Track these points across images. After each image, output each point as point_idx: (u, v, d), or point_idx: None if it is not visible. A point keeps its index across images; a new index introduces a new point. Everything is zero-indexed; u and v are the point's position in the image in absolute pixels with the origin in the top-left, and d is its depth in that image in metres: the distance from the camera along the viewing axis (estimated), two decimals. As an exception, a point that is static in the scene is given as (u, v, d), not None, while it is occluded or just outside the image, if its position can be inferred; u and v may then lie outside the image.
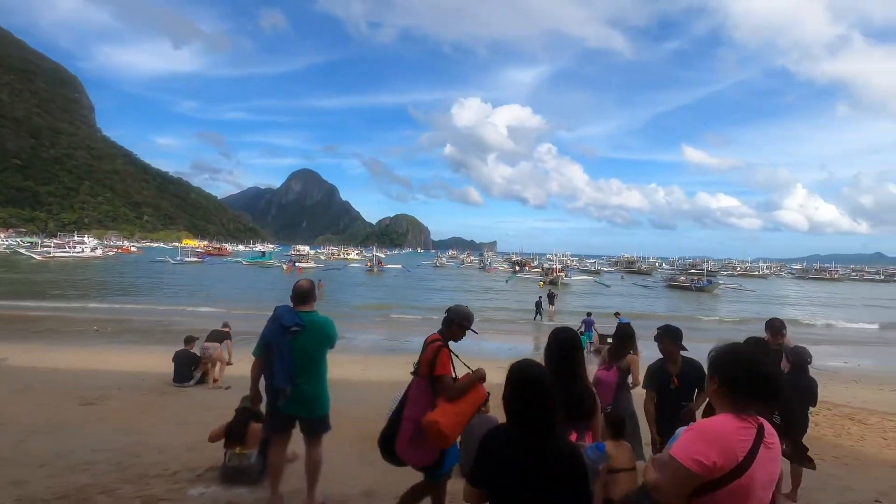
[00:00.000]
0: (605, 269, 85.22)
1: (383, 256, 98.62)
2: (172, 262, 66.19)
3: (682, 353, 3.91)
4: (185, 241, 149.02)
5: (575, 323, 16.92)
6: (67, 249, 74.28)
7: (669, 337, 3.94)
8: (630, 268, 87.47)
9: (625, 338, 4.72)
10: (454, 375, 3.13)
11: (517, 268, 70.34)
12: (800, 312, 33.58)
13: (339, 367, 11.88)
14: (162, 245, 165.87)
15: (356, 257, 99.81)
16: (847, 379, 11.93)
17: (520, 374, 1.85)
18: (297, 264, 62.37)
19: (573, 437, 2.64)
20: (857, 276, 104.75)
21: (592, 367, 4.12)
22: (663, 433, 3.72)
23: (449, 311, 3.28)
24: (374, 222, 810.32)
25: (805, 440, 4.32)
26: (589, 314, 16.92)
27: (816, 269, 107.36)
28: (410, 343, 15.95)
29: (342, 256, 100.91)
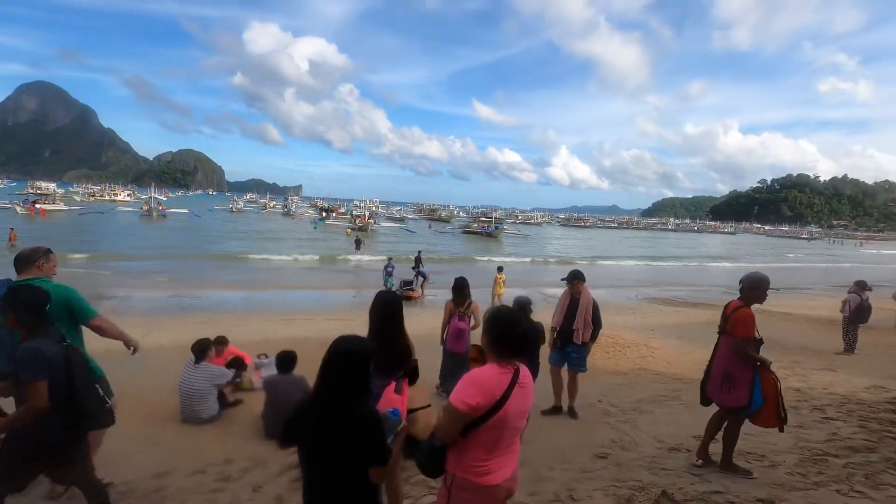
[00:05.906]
0: (410, 217, 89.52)
1: (164, 199, 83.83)
2: None
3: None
4: None
5: (381, 264, 19.34)
6: None
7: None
8: (432, 215, 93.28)
9: (462, 288, 5.85)
10: (757, 336, 3.76)
11: (324, 214, 68.09)
12: (562, 252, 41.31)
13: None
14: None
15: (127, 199, 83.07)
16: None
17: (334, 348, 2.04)
18: (38, 206, 48.91)
19: (392, 384, 2.82)
20: (601, 224, 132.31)
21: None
22: None
23: (743, 280, 3.89)
24: (150, 158, 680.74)
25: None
26: (390, 259, 18.15)
27: (575, 218, 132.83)
28: (201, 300, 14.32)
29: (108, 197, 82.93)
